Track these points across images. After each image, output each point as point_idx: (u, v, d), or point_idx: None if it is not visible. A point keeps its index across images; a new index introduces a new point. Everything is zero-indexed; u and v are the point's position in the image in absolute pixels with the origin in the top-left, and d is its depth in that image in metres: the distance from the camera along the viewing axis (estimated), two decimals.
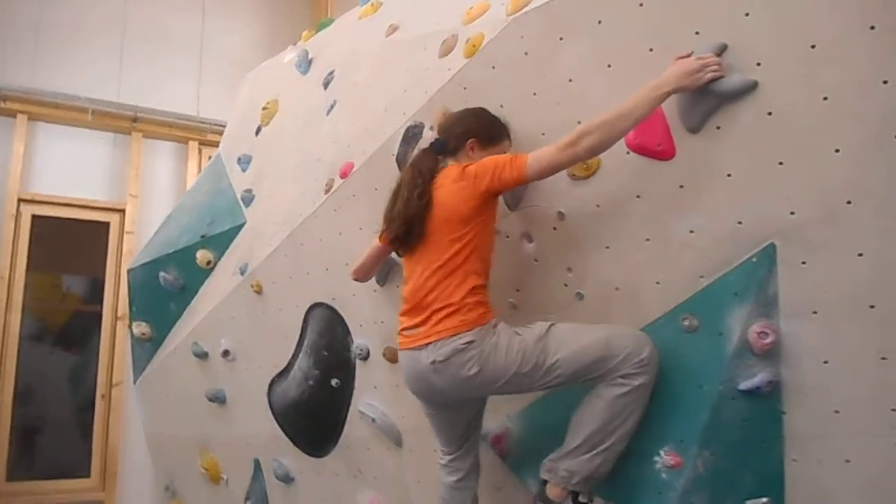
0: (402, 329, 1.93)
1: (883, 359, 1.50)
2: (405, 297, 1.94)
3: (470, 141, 1.96)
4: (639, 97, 1.64)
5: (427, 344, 1.83)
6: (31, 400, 5.94)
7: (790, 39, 1.54)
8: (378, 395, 2.50)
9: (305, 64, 3.29)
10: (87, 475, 5.75)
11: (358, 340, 2.54)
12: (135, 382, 3.53)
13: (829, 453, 1.59)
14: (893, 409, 1.50)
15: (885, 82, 1.45)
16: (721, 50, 1.62)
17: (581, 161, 1.75)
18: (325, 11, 7.02)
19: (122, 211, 6.36)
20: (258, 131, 3.40)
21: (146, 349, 3.45)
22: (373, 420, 2.49)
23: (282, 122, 3.24)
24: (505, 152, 1.96)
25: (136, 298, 3.49)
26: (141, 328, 3.44)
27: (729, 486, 1.65)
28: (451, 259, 1.84)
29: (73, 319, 6.37)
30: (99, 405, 5.90)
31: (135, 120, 6.47)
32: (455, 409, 1.99)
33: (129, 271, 3.55)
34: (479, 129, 1.98)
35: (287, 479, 2.85)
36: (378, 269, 2.36)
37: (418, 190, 1.91)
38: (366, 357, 2.51)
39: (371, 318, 2.49)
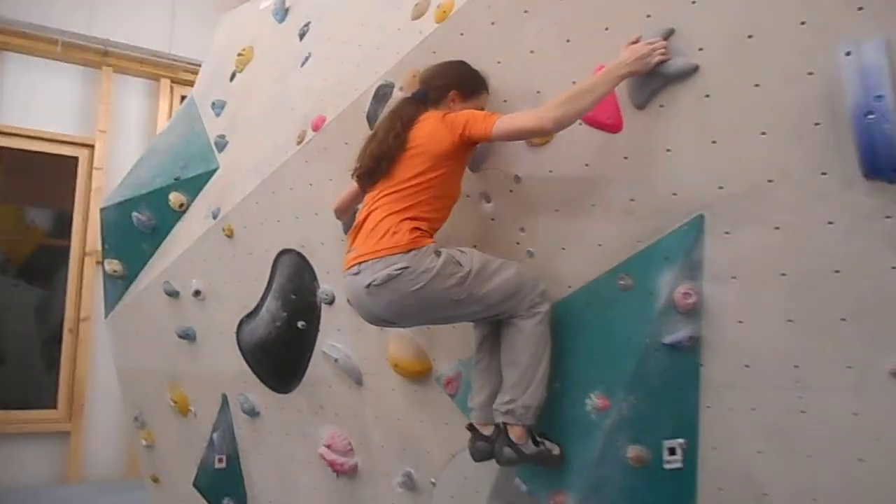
0: (347, 253, 2.04)
1: (789, 321, 1.70)
2: (365, 208, 2.04)
3: (452, 93, 2.07)
4: (599, 77, 1.78)
5: (360, 263, 1.92)
6: None
7: (730, 28, 1.69)
8: (341, 338, 2.66)
9: (282, 12, 3.33)
10: (54, 406, 5.87)
11: (324, 286, 2.69)
12: (106, 318, 3.64)
13: (738, 402, 1.80)
14: (796, 366, 1.71)
15: (811, 74, 1.60)
16: (668, 34, 1.76)
17: (546, 133, 1.89)
18: None
19: (92, 146, 6.32)
20: (233, 77, 3.45)
21: (118, 286, 3.55)
22: (335, 360, 2.65)
23: (256, 69, 3.30)
24: (483, 105, 2.08)
25: (108, 237, 3.58)
26: (113, 265, 3.53)
27: (649, 427, 1.87)
28: (404, 190, 1.94)
29: (38, 252, 6.37)
30: (66, 339, 5.97)
31: (105, 54, 6.37)
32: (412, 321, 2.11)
33: (101, 210, 3.62)
34: (460, 82, 2.08)
35: (253, 413, 3.02)
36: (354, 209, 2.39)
37: (394, 132, 1.99)
38: (331, 302, 2.67)
39: (337, 265, 2.61)
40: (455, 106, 2.07)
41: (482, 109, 2.05)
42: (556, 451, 1.98)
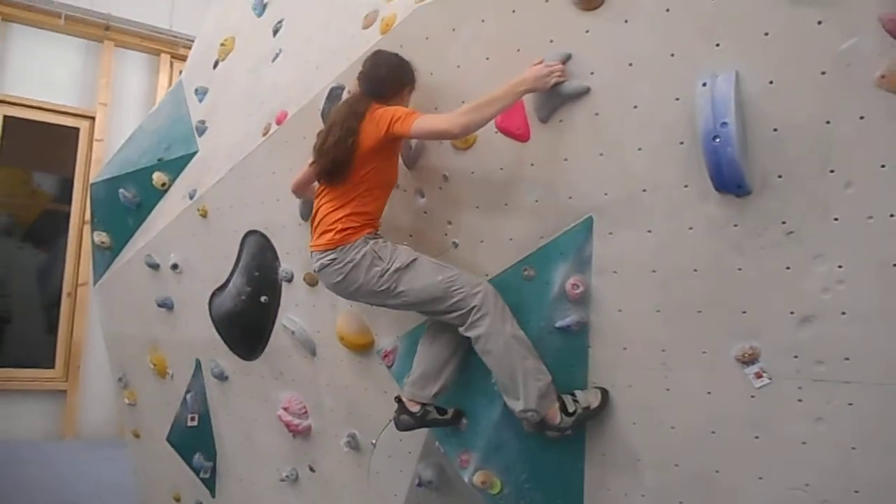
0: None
1: (658, 311, 1.97)
2: (323, 207, 2.31)
3: (407, 89, 2.31)
4: (503, 91, 2.04)
5: (312, 252, 2.32)
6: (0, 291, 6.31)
7: (615, 56, 1.94)
8: (298, 312, 2.95)
9: (261, 7, 3.56)
10: (52, 366, 6.21)
11: (284, 265, 2.97)
12: (94, 285, 3.94)
13: (618, 380, 2.08)
14: (663, 350, 1.99)
15: (677, 99, 1.86)
16: (566, 59, 2.01)
17: (454, 136, 2.14)
18: None
19: (93, 118, 6.56)
20: (216, 65, 3.70)
21: (105, 257, 3.85)
22: (293, 333, 2.95)
23: (236, 60, 3.55)
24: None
25: (97, 210, 3.87)
26: (101, 237, 3.83)
27: None
28: (347, 191, 2.24)
29: (43, 217, 6.64)
30: (65, 302, 6.29)
31: (107, 28, 6.59)
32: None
33: (91, 185, 3.91)
34: (410, 78, 2.31)
35: (222, 377, 3.33)
36: (308, 189, 2.61)
37: (349, 132, 2.20)
38: (290, 280, 2.95)
39: (296, 247, 2.91)
40: (406, 100, 2.32)
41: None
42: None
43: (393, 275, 2.17)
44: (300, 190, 2.69)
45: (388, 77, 2.29)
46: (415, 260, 2.21)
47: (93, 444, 5.91)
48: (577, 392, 2.10)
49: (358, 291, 2.25)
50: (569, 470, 2.17)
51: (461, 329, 2.15)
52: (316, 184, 2.45)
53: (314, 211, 2.36)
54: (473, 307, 2.10)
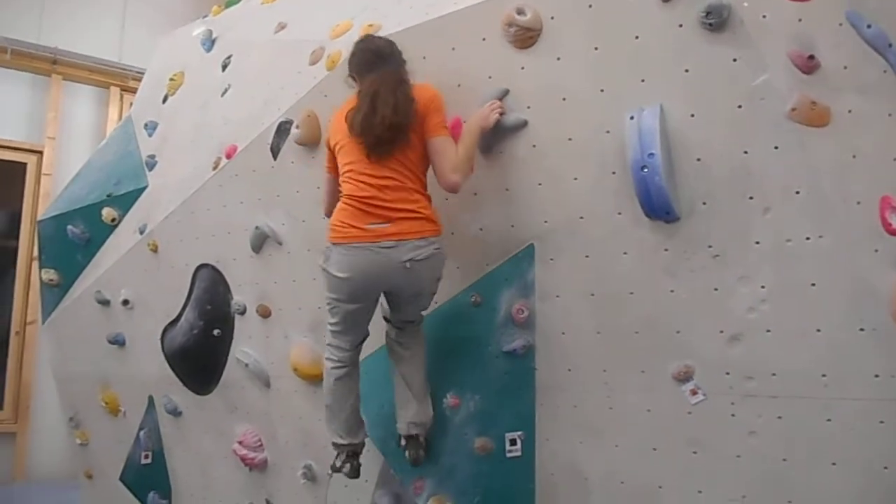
0: (355, 226, 2.09)
1: (598, 333, 2.06)
2: (358, 196, 2.10)
3: (402, 60, 2.19)
4: (467, 142, 2.08)
5: (399, 241, 2.05)
6: None
7: (550, 91, 2.04)
8: (252, 344, 2.96)
9: (209, 42, 3.60)
10: (1, 407, 6.01)
11: (237, 298, 2.98)
12: (43, 324, 3.88)
13: (564, 400, 2.15)
14: (604, 370, 2.07)
15: (608, 132, 1.96)
16: (503, 94, 2.11)
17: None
18: None
19: (40, 153, 6.44)
20: (165, 99, 3.72)
21: (54, 294, 3.79)
22: (247, 365, 2.95)
23: (185, 95, 3.57)
24: None
25: (45, 248, 3.82)
26: (49, 275, 3.77)
27: (493, 421, 2.21)
28: (406, 167, 2.10)
29: None
30: (13, 341, 6.11)
31: (54, 62, 6.50)
32: (373, 303, 2.23)
33: (38, 222, 3.86)
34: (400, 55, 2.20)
35: (176, 412, 3.30)
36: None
37: (404, 96, 2.07)
38: (243, 312, 2.96)
39: (248, 279, 2.93)
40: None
41: None
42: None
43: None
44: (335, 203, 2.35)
45: (396, 52, 2.19)
46: None
47: (45, 486, 5.72)
48: None
49: (423, 291, 2.18)
50: (519, 491, 2.22)
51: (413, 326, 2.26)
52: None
53: (368, 193, 2.09)
54: None
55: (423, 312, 2.29)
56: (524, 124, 2.08)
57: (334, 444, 2.29)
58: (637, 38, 1.92)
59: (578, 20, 2.00)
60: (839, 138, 1.74)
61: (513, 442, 2.20)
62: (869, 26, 1.67)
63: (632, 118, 1.88)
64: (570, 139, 2.02)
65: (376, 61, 2.17)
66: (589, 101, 1.98)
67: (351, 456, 2.29)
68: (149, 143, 3.65)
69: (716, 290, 1.87)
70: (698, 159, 1.85)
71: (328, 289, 2.18)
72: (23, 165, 6.42)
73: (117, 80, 6.81)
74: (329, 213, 2.31)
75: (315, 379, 2.72)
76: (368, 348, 2.50)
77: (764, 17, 1.79)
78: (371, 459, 2.58)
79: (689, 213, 1.88)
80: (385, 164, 2.10)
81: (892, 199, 1.67)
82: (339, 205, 2.18)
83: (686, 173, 1.86)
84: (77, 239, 3.64)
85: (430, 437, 2.31)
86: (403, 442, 2.29)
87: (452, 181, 2.06)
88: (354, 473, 2.30)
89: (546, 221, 2.09)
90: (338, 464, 2.29)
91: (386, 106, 2.05)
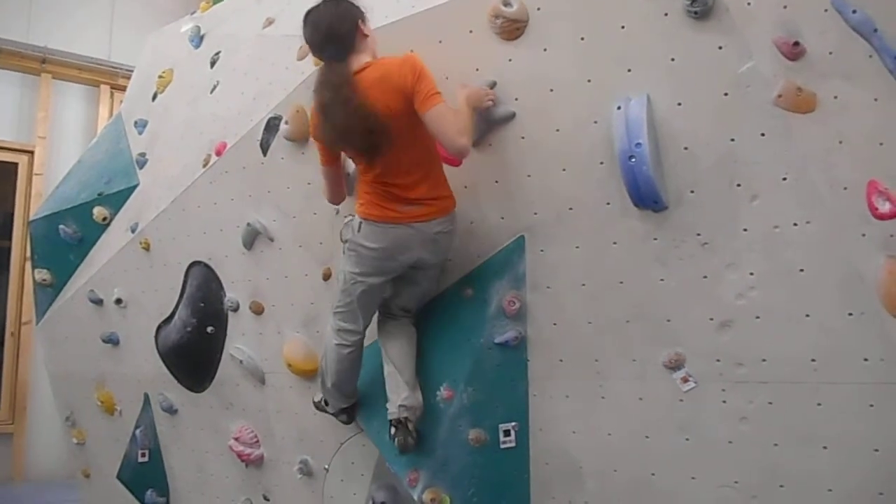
0: (389, 208, 2.11)
1: (589, 322, 2.07)
2: (386, 182, 2.11)
3: (359, 25, 2.12)
4: (464, 114, 2.04)
5: (431, 220, 2.11)
6: None
7: (537, 83, 2.04)
8: (245, 341, 2.96)
9: (198, 39, 3.59)
10: None
11: (230, 294, 2.98)
12: (37, 324, 3.87)
13: (556, 390, 2.16)
14: (596, 360, 2.08)
15: (596, 122, 1.96)
16: (492, 85, 2.10)
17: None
18: None
19: (31, 152, 6.42)
20: (154, 97, 3.70)
21: (47, 294, 3.78)
22: (241, 362, 2.95)
23: (174, 92, 3.56)
24: None
25: (37, 248, 3.80)
26: (42, 275, 3.76)
27: (486, 413, 2.22)
28: (420, 150, 2.10)
29: None
30: (8, 342, 6.11)
31: (44, 61, 6.47)
32: (391, 280, 2.26)
33: (30, 222, 3.85)
34: (357, 11, 2.13)
35: (171, 410, 3.30)
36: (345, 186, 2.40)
37: (354, 106, 1.99)
38: (236, 309, 2.96)
39: (241, 276, 2.93)
40: (367, 31, 2.15)
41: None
42: None
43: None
44: (341, 196, 2.40)
45: (347, 28, 2.10)
46: None
47: (42, 486, 5.73)
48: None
49: (439, 264, 2.26)
50: (515, 481, 2.22)
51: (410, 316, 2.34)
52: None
53: (396, 180, 2.11)
54: None
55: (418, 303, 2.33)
56: (512, 116, 2.08)
57: (331, 404, 2.46)
58: (623, 27, 1.92)
59: (564, 11, 2.00)
60: (825, 124, 1.75)
61: (507, 433, 2.21)
62: (854, 11, 1.68)
63: (619, 108, 1.88)
64: (557, 130, 2.02)
65: (324, 45, 2.10)
66: (576, 91, 1.98)
67: (348, 408, 2.45)
68: (139, 141, 3.64)
69: (705, 277, 1.88)
70: (685, 148, 1.86)
71: (352, 264, 2.19)
72: (14, 165, 6.40)
73: (107, 78, 6.79)
74: (334, 201, 2.37)
75: (309, 374, 2.73)
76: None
77: (749, 4, 1.80)
78: (367, 453, 2.60)
79: (678, 202, 1.88)
80: (393, 157, 2.09)
81: (878, 184, 1.67)
82: (367, 187, 2.16)
83: (673, 162, 1.87)
84: (69, 238, 3.63)
85: (421, 428, 2.31)
86: (393, 429, 2.25)
87: (461, 144, 2.00)
88: (349, 420, 2.48)
89: (536, 213, 2.10)
90: (330, 410, 2.48)
91: (344, 120, 2.01)
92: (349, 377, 2.38)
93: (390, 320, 2.36)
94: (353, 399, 2.46)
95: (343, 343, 2.29)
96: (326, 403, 2.48)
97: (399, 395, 2.24)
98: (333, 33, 2.09)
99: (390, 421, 2.26)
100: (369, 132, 2.01)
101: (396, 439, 2.22)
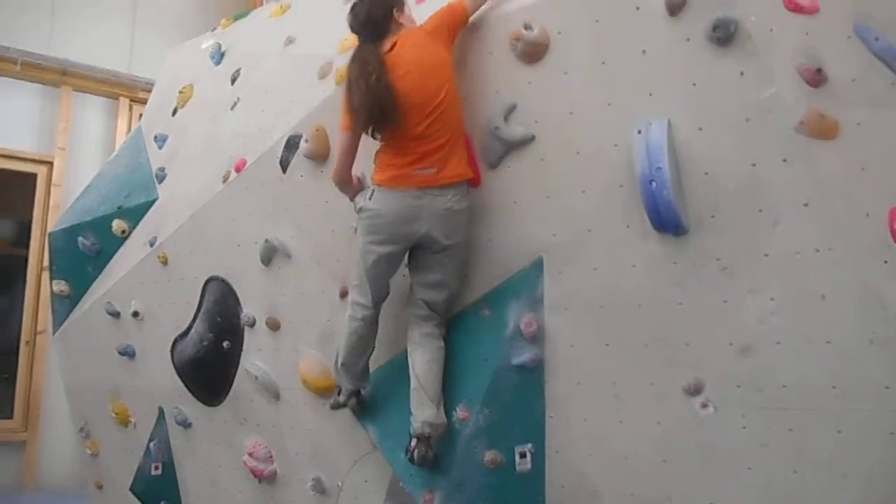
0: (402, 172, 2.18)
1: (607, 345, 2.06)
2: (404, 145, 2.18)
3: (395, 13, 2.30)
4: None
5: (443, 189, 2.15)
6: None
7: (557, 106, 2.05)
8: (261, 357, 2.97)
9: (218, 55, 3.63)
10: (11, 416, 6.04)
11: (246, 310, 3.00)
12: (53, 334, 3.90)
13: (573, 412, 2.15)
14: (614, 382, 2.07)
15: (616, 145, 1.97)
16: (512, 108, 2.11)
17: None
18: None
19: (51, 163, 6.49)
20: (175, 112, 3.74)
21: (65, 305, 3.81)
22: (256, 377, 2.96)
23: (194, 108, 3.60)
24: None
25: (56, 259, 3.84)
26: (60, 286, 3.79)
27: (502, 435, 2.21)
28: (450, 121, 2.15)
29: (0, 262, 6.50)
30: (23, 350, 6.15)
31: (64, 73, 6.54)
32: (403, 251, 2.28)
33: (50, 234, 3.89)
34: (394, 1, 2.31)
35: (185, 423, 3.31)
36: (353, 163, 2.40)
37: (374, 76, 2.15)
38: (252, 324, 2.98)
39: (258, 292, 2.94)
40: (404, 20, 2.32)
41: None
42: None
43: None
44: (348, 172, 2.39)
45: (382, 14, 2.29)
46: None
47: (54, 495, 5.74)
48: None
49: (454, 246, 2.23)
50: (530, 503, 2.21)
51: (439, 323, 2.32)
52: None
53: (415, 143, 2.17)
54: None
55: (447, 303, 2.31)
56: (532, 138, 2.09)
57: (342, 387, 2.49)
58: (644, 52, 1.94)
59: (585, 35, 2.02)
60: (848, 151, 1.75)
61: (523, 455, 2.20)
62: (877, 38, 1.68)
63: (639, 132, 1.89)
64: (577, 153, 2.03)
65: (361, 29, 2.32)
66: (596, 115, 1.99)
67: (355, 393, 2.48)
68: (159, 156, 3.67)
69: (725, 302, 1.87)
70: (706, 173, 1.86)
71: (364, 231, 2.28)
72: (33, 176, 6.47)
73: (126, 90, 6.85)
74: (339, 175, 2.37)
75: (324, 391, 2.73)
76: (380, 360, 2.52)
77: (771, 30, 1.80)
78: (381, 472, 2.59)
79: (698, 226, 1.88)
80: (419, 120, 2.15)
81: None
82: (386, 150, 2.26)
83: (694, 186, 1.87)
84: (88, 251, 3.66)
85: (437, 449, 2.30)
86: (414, 443, 2.24)
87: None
88: (358, 406, 2.50)
89: (554, 234, 2.10)
90: (342, 399, 2.50)
91: (365, 92, 2.16)
92: (357, 354, 2.41)
93: (417, 328, 2.33)
94: (362, 382, 2.48)
95: (353, 315, 2.38)
96: (339, 393, 2.50)
97: (423, 411, 2.25)
98: (369, 19, 2.30)
99: (411, 436, 2.26)
100: (385, 105, 2.14)
101: (416, 451, 2.22)
